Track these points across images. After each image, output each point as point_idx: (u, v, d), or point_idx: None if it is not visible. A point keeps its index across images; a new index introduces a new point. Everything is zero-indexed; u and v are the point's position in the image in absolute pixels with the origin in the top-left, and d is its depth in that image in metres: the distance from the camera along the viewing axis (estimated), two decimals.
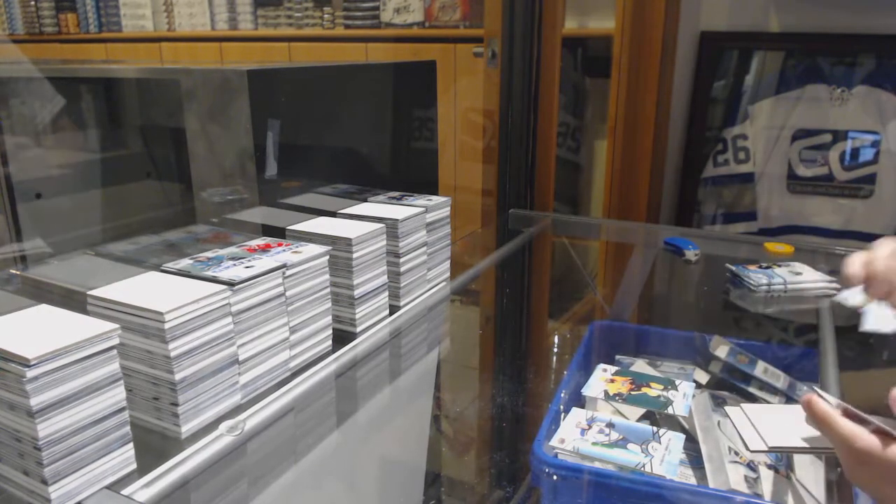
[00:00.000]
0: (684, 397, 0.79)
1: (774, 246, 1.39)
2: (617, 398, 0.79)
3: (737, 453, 0.70)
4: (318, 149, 1.06)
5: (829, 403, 0.56)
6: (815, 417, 0.56)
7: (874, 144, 1.55)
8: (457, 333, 1.11)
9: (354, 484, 0.78)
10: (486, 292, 1.32)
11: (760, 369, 0.86)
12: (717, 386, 0.86)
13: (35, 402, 0.54)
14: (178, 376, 0.66)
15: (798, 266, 1.22)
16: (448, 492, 0.81)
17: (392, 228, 0.98)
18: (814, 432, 0.62)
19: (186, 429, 0.69)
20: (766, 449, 0.63)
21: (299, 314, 0.83)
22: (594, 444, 0.70)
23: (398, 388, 0.92)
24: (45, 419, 0.55)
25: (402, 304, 1.03)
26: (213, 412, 0.72)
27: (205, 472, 0.66)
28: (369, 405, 0.88)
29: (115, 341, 0.60)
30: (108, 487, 0.61)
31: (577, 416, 0.75)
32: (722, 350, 0.87)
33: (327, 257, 0.86)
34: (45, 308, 0.64)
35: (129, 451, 0.62)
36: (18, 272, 0.84)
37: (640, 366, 0.92)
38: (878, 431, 0.52)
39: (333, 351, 0.89)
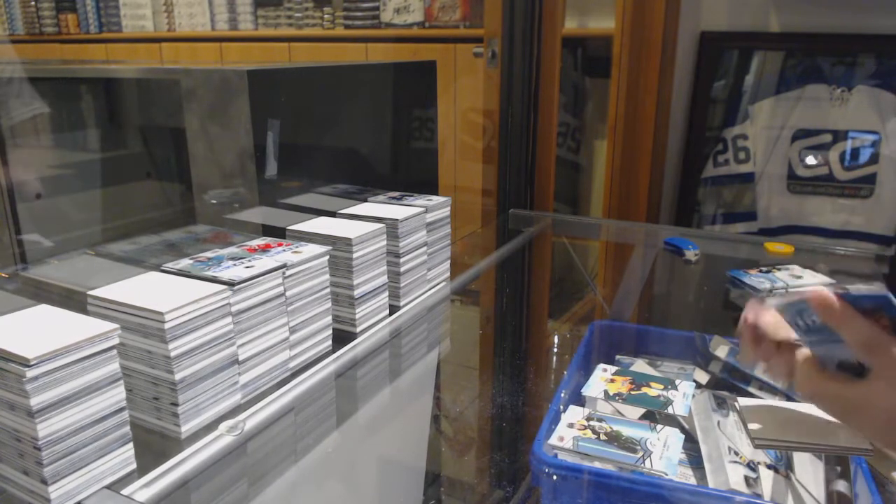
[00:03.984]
0: (684, 397, 0.79)
1: (774, 246, 1.39)
2: (617, 398, 0.79)
3: (737, 453, 0.70)
4: (318, 149, 1.06)
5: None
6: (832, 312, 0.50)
7: (874, 144, 1.55)
8: (457, 333, 1.11)
9: (354, 484, 0.78)
10: (486, 292, 1.32)
11: (760, 369, 0.86)
12: (717, 386, 0.86)
13: (35, 402, 0.54)
14: (178, 376, 0.67)
15: (797, 269, 1.22)
16: (448, 492, 0.81)
17: (392, 228, 0.98)
18: (817, 431, 0.62)
19: (186, 429, 0.69)
20: (769, 439, 0.62)
21: (299, 314, 0.83)
22: (592, 441, 0.70)
23: (398, 388, 0.92)
24: (45, 419, 0.55)
25: (402, 304, 1.03)
26: (212, 412, 0.72)
27: (205, 472, 0.66)
28: (369, 405, 0.88)
29: (115, 341, 0.60)
30: (108, 487, 0.61)
31: (576, 414, 0.75)
32: (722, 350, 0.87)
33: (327, 257, 0.86)
34: (45, 308, 0.64)
35: (128, 450, 0.63)
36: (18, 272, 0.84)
37: (640, 366, 0.92)
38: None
39: (333, 351, 0.89)
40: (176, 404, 0.67)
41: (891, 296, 0.49)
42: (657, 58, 1.60)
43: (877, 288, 0.50)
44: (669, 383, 0.82)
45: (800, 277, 1.18)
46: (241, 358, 0.75)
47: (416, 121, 1.31)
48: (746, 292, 1.17)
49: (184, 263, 0.78)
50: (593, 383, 0.82)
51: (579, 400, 0.80)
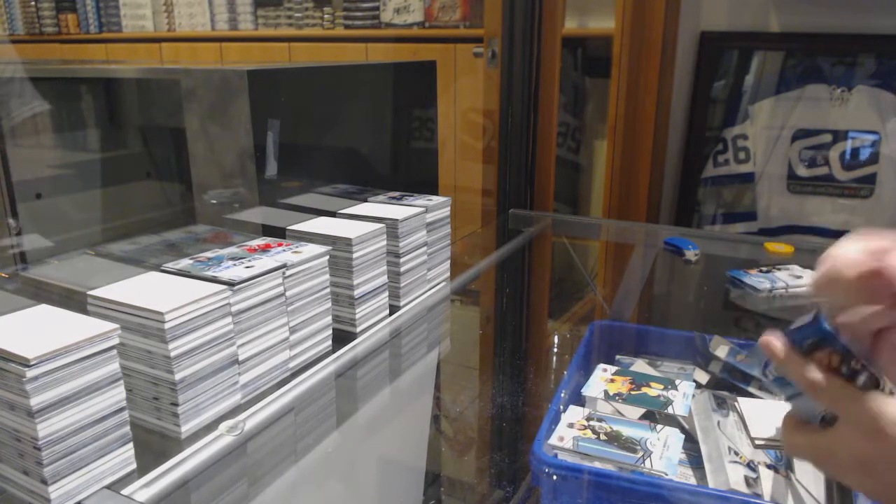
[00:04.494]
0: (684, 397, 0.79)
1: (774, 246, 1.39)
2: (617, 398, 0.79)
3: (737, 453, 0.70)
4: (318, 149, 1.06)
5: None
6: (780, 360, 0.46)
7: (874, 144, 1.55)
8: (457, 333, 1.11)
9: (354, 484, 0.78)
10: (486, 292, 1.32)
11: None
12: (717, 386, 0.86)
13: (35, 402, 0.54)
14: (178, 376, 0.67)
15: (797, 269, 1.22)
16: (448, 492, 0.81)
17: (392, 228, 0.98)
18: None
19: (186, 429, 0.69)
20: (769, 439, 0.62)
21: (299, 314, 0.83)
22: (592, 441, 0.70)
23: (398, 388, 0.92)
24: (45, 419, 0.55)
25: (402, 304, 1.03)
26: (212, 412, 0.72)
27: (205, 472, 0.66)
28: (369, 405, 0.88)
29: (115, 341, 0.60)
30: (108, 487, 0.61)
31: (576, 414, 0.75)
32: (722, 350, 0.87)
33: (327, 257, 0.86)
34: (45, 308, 0.64)
35: (128, 450, 0.63)
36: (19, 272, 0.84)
37: (640, 366, 0.92)
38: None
39: (333, 351, 0.89)
40: (176, 404, 0.67)
41: (822, 321, 0.42)
42: (657, 58, 1.60)
43: (809, 314, 0.43)
44: (669, 383, 0.82)
45: (800, 277, 1.18)
46: (241, 358, 0.75)
47: (416, 121, 1.31)
48: (746, 292, 1.17)
49: (184, 263, 0.78)
50: (593, 383, 0.82)
51: (579, 400, 0.80)
